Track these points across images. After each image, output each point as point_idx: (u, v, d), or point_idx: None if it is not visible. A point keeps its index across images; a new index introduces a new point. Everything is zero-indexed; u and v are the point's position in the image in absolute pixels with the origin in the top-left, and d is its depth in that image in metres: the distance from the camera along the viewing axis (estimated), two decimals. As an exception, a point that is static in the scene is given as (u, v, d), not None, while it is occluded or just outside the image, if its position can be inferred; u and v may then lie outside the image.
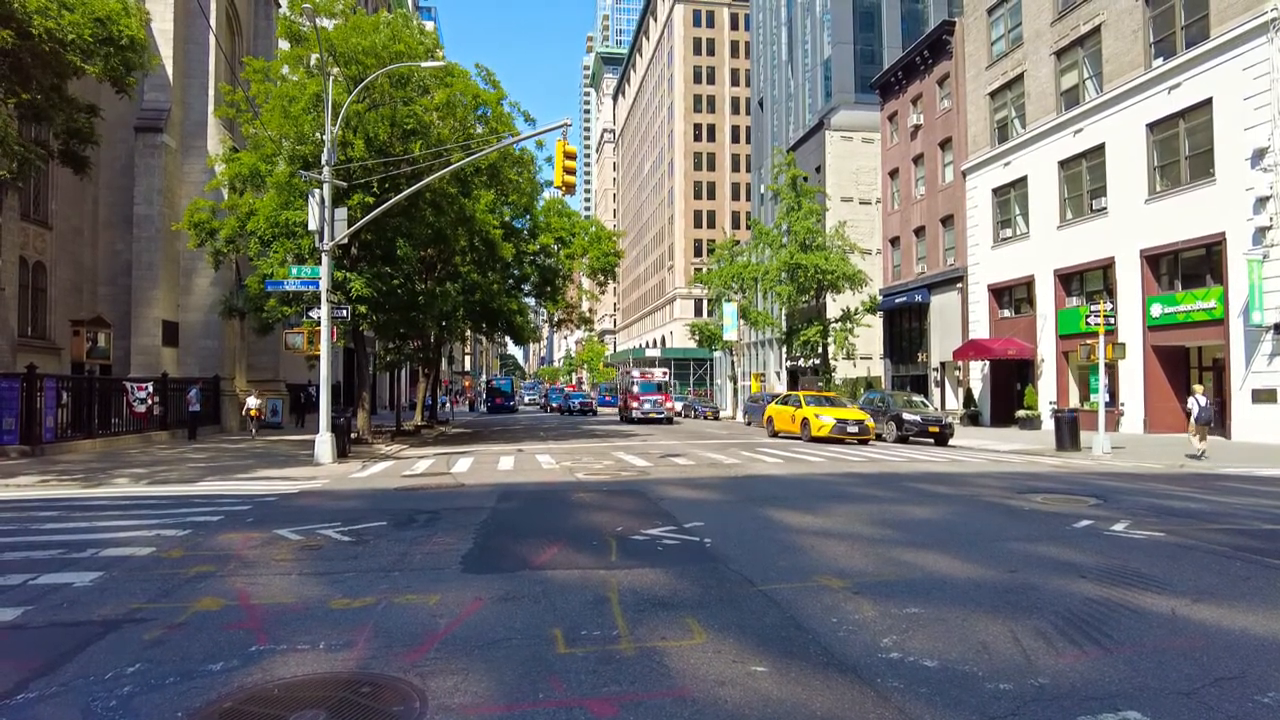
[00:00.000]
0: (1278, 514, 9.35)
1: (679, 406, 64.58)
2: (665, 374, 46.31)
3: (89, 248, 28.11)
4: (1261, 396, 20.30)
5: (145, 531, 8.54)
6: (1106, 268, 25.75)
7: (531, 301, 37.17)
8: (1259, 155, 20.13)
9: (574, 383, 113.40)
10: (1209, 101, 21.78)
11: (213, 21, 27.75)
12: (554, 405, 69.87)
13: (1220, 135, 21.42)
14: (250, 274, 22.50)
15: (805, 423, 23.55)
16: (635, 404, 39.74)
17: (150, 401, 23.24)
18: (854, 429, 22.55)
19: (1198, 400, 16.77)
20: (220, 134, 29.14)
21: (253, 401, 26.82)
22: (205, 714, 3.66)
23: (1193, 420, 16.71)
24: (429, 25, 35.40)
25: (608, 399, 67.61)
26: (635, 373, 45.98)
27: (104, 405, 21.61)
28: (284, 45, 23.38)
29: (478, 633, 4.83)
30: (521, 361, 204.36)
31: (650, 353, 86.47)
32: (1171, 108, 23.07)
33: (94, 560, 7.05)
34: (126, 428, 22.28)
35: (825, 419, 22.86)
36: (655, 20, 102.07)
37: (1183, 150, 22.97)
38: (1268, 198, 19.90)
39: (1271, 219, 19.84)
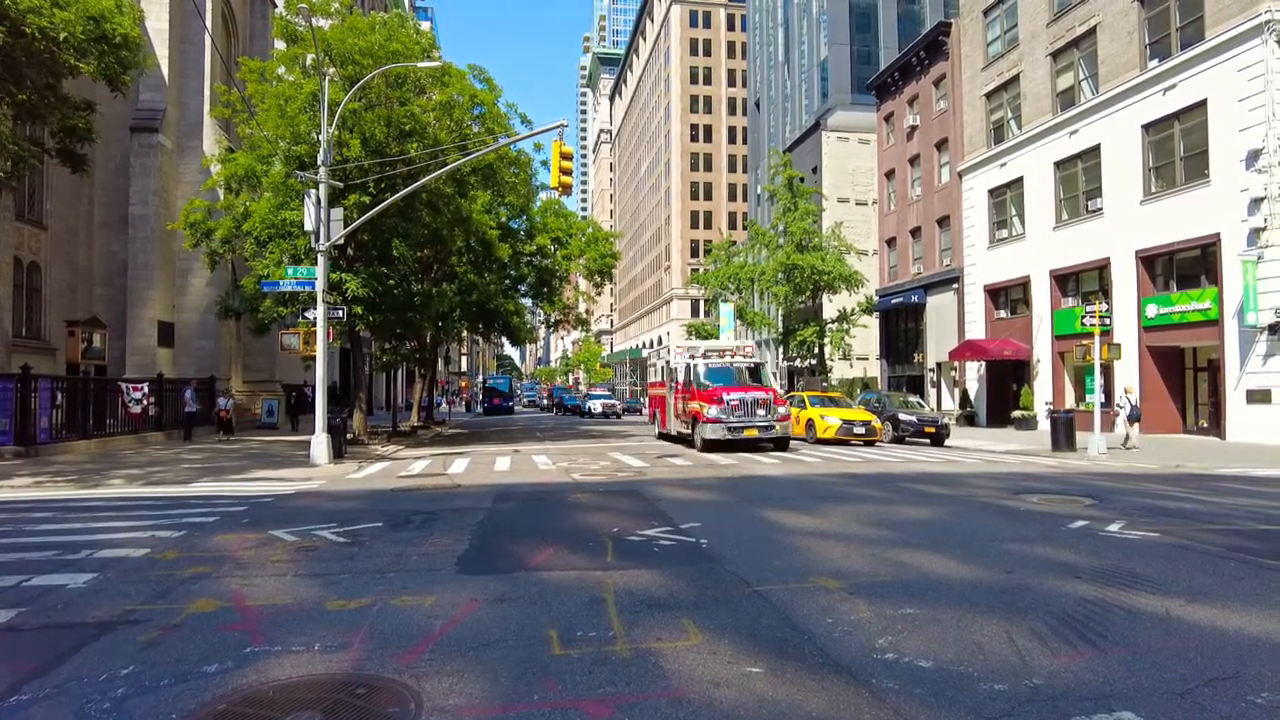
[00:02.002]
0: (1272, 514, 9.38)
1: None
2: (751, 351, 23.83)
3: (84, 248, 28.04)
4: (1256, 397, 20.36)
5: (140, 533, 8.51)
6: (1102, 268, 25.81)
7: (528, 302, 37.18)
8: (1253, 156, 20.20)
9: (571, 383, 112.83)
10: (1204, 103, 21.84)
11: (208, 21, 27.71)
12: (569, 407, 57.88)
13: (1215, 136, 21.49)
14: (246, 274, 22.45)
15: (810, 424, 23.24)
16: (710, 409, 19.55)
17: (145, 402, 23.17)
18: (860, 429, 22.23)
19: (1129, 399, 19.72)
20: (216, 134, 29.09)
21: (223, 402, 26.16)
22: (199, 716, 3.65)
23: (1125, 416, 19.45)
24: (425, 25, 35.41)
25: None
26: (686, 351, 22.89)
27: (99, 406, 21.54)
28: (280, 45, 23.35)
29: (473, 634, 4.82)
30: (518, 362, 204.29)
31: (647, 353, 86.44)
32: (1167, 109, 23.13)
33: (88, 561, 7.03)
34: (122, 428, 22.21)
35: (831, 420, 22.58)
36: (652, 21, 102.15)
37: (1178, 151, 23.03)
38: (1262, 199, 19.97)
39: (1266, 220, 19.90)
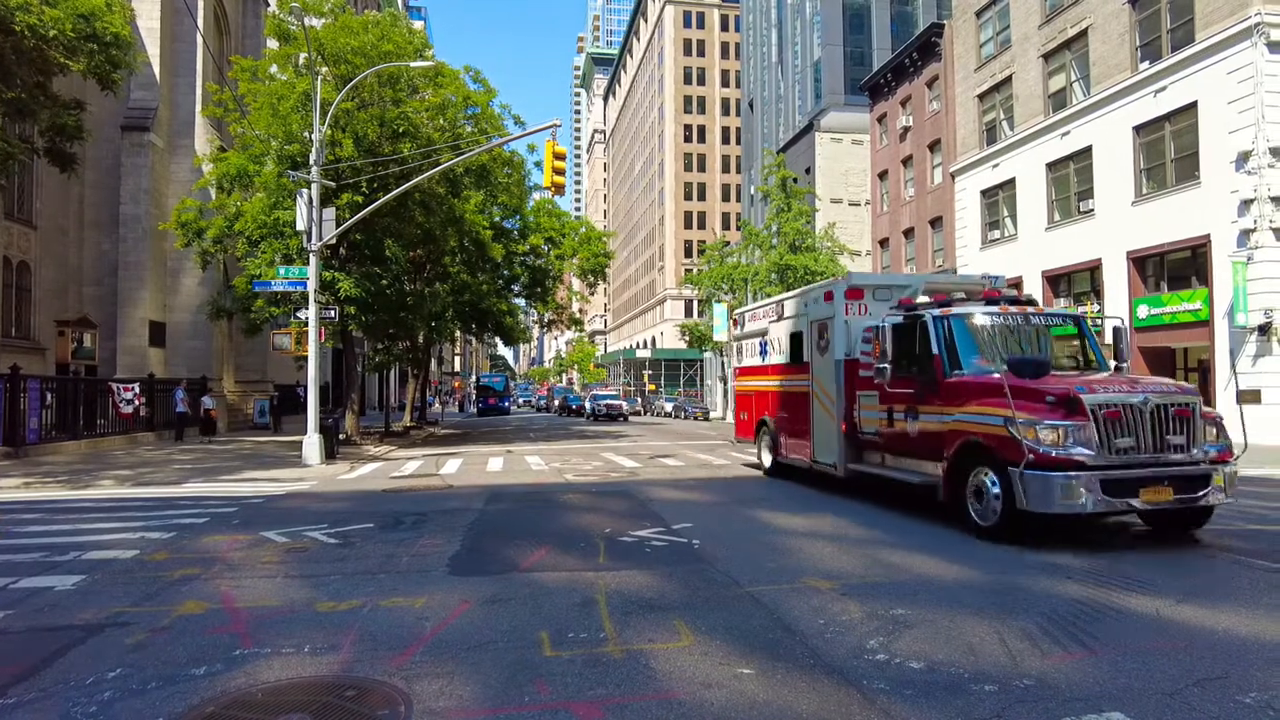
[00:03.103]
0: (1261, 514, 9.43)
1: (671, 408, 51.44)
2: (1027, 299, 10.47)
3: (74, 247, 27.87)
4: (1246, 397, 20.44)
5: (130, 534, 8.47)
6: (1094, 269, 25.91)
7: (521, 302, 37.11)
8: (1243, 158, 20.30)
9: (565, 383, 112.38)
10: (1194, 105, 21.95)
11: (200, 20, 27.58)
12: (573, 407, 53.02)
13: (1205, 138, 21.59)
14: (238, 274, 22.36)
15: None
16: (1042, 426, 7.28)
17: (136, 402, 23.04)
18: None
19: None
20: (208, 133, 28.96)
21: (207, 401, 25.52)
22: (187, 719, 3.63)
23: None
24: (418, 25, 35.31)
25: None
26: (878, 288, 11.53)
27: (89, 406, 21.40)
28: (272, 44, 23.27)
29: (464, 635, 4.81)
30: (512, 362, 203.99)
31: (641, 353, 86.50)
32: (1158, 111, 23.24)
33: (77, 563, 6.99)
34: (112, 429, 22.08)
35: None
36: (645, 21, 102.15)
37: (1169, 153, 23.14)
38: (1252, 200, 20.08)
39: (1255, 221, 20.02)
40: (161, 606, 5.56)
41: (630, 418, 46.72)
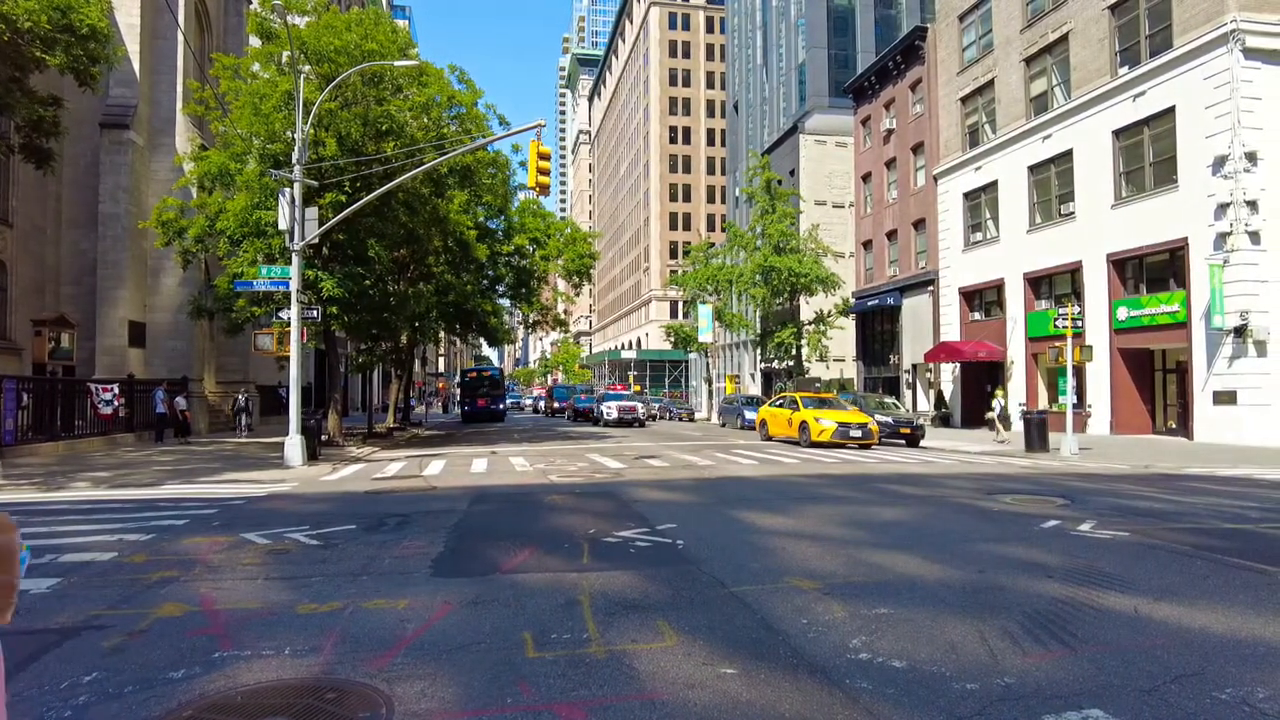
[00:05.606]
0: (1237, 513, 9.55)
1: (652, 408, 48.26)
2: None
3: (52, 246, 27.49)
4: (1222, 398, 20.76)
5: (107, 536, 8.35)
6: (1074, 271, 26.20)
7: (506, 303, 37.00)
8: (1220, 162, 20.60)
9: (550, 383, 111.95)
10: (1172, 110, 22.25)
11: (181, 17, 27.28)
12: (580, 409, 43.83)
13: (1183, 143, 21.89)
14: (219, 274, 22.14)
15: (804, 426, 22.19)
16: None
17: (116, 403, 22.74)
18: (857, 433, 21.29)
19: (1000, 402, 24.04)
20: (189, 131, 28.65)
21: (181, 402, 24.83)
22: (164, 723, 3.58)
23: (995, 418, 23.20)
24: (401, 24, 35.12)
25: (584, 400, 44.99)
26: None
27: (67, 407, 21.09)
28: (255, 42, 23.04)
29: (446, 637, 4.78)
30: (496, 363, 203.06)
31: (626, 354, 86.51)
32: (1136, 115, 23.54)
33: (52, 566, 6.88)
34: (91, 430, 21.77)
35: (826, 422, 21.53)
36: (631, 22, 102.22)
37: (1147, 157, 23.44)
38: (1228, 204, 20.37)
39: (1232, 225, 20.31)
40: (139, 609, 5.49)
41: (646, 423, 39.25)
